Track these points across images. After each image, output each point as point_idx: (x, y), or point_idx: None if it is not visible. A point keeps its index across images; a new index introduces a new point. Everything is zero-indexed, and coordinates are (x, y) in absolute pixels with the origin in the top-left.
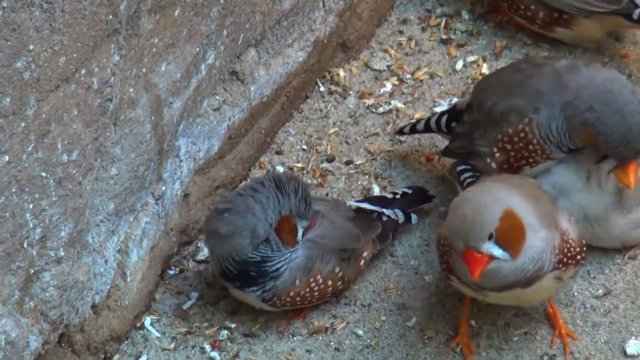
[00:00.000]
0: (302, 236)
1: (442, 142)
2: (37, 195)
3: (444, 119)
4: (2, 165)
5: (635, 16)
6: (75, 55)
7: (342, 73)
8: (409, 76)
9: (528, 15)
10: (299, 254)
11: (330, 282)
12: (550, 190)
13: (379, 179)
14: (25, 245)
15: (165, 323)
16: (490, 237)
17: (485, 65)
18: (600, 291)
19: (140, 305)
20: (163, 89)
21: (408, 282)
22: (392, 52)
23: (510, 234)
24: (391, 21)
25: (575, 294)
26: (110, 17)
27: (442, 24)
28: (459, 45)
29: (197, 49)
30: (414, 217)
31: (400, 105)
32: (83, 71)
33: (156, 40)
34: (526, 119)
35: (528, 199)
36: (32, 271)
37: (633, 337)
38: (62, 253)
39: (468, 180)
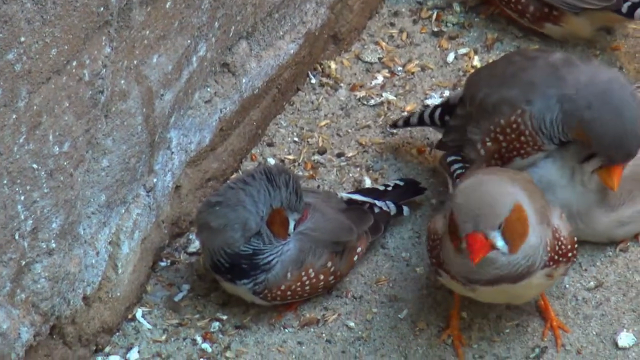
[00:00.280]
0: (294, 229)
1: (433, 134)
2: (28, 187)
3: (437, 112)
4: None
5: (624, 9)
6: (66, 47)
7: (333, 65)
8: (400, 68)
9: (518, 9)
10: (290, 247)
11: (322, 277)
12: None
13: (371, 171)
14: (16, 237)
15: (156, 315)
16: (499, 227)
17: (476, 58)
18: (592, 283)
19: (132, 297)
20: (154, 81)
21: (399, 274)
22: (384, 44)
23: (516, 228)
24: (382, 13)
25: (567, 286)
26: (102, 9)
27: (434, 17)
28: (450, 38)
29: (189, 41)
30: (405, 209)
31: (391, 97)
32: (74, 63)
33: (147, 32)
34: (519, 110)
35: (526, 194)
36: (24, 263)
37: (624, 330)
38: (54, 245)
39: (458, 172)
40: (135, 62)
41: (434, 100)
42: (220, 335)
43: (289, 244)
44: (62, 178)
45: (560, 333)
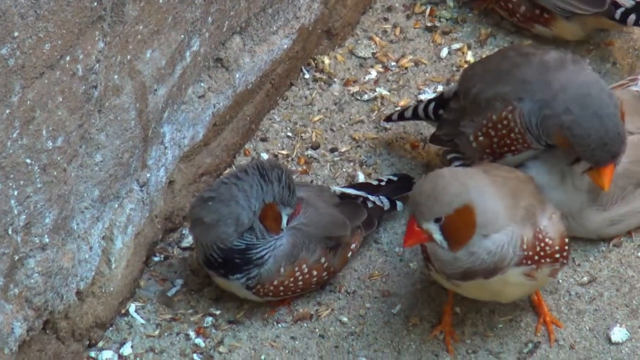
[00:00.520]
0: (287, 224)
1: (426, 129)
2: (21, 182)
3: (431, 106)
4: None
5: (617, 15)
6: (60, 42)
7: (327, 60)
8: (393, 63)
9: (509, 8)
10: (283, 242)
11: (315, 272)
12: None
13: (364, 166)
14: (9, 232)
15: (149, 310)
16: (438, 220)
17: (470, 53)
18: (585, 279)
19: (125, 292)
20: (148, 76)
21: (393, 269)
22: (377, 39)
23: (458, 228)
24: (376, 8)
25: (560, 281)
26: (95, 4)
27: (427, 12)
28: (443, 33)
29: (182, 36)
30: (399, 204)
31: (385, 92)
32: (68, 58)
33: (141, 27)
34: (510, 107)
35: (502, 194)
36: (17, 258)
37: (618, 325)
38: (47, 240)
39: (455, 163)
40: (128, 57)
41: (427, 95)
42: (214, 330)
43: (282, 238)
44: (55, 173)
45: (554, 328)
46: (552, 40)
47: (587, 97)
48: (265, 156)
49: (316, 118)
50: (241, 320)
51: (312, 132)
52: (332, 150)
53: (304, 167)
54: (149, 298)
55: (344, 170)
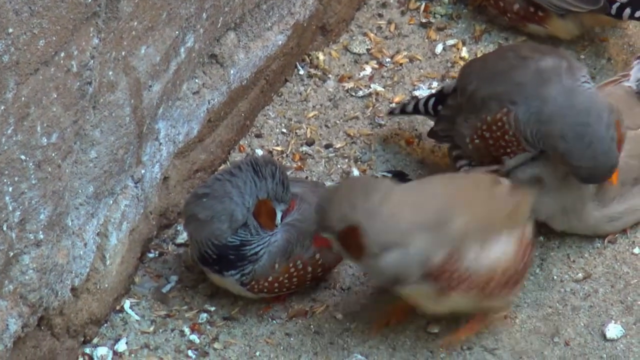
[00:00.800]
0: (281, 220)
1: (421, 126)
2: (16, 179)
3: (431, 101)
4: None
5: (613, 11)
6: (54, 39)
7: (321, 56)
8: (388, 60)
9: (500, 6)
10: (277, 238)
11: (310, 269)
12: (529, 183)
13: (359, 163)
14: (4, 228)
15: (144, 306)
16: (332, 233)
17: (464, 49)
18: (580, 275)
19: (120, 289)
20: (142, 72)
21: None
22: (372, 35)
23: (348, 245)
24: (371, 4)
25: (555, 277)
26: (90, 0)
27: (422, 8)
28: (438, 29)
29: (177, 32)
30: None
31: (379, 88)
32: (62, 54)
33: (135, 23)
34: (504, 109)
35: (427, 214)
36: (12, 254)
37: (612, 321)
38: (42, 236)
39: (464, 168)
40: (123, 53)
41: (422, 91)
42: (209, 327)
43: (277, 235)
44: (50, 169)
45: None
46: (547, 38)
47: (585, 127)
48: (259, 152)
49: (311, 114)
50: (236, 316)
51: (307, 128)
52: (327, 147)
53: (299, 164)
54: (144, 294)
55: (338, 166)
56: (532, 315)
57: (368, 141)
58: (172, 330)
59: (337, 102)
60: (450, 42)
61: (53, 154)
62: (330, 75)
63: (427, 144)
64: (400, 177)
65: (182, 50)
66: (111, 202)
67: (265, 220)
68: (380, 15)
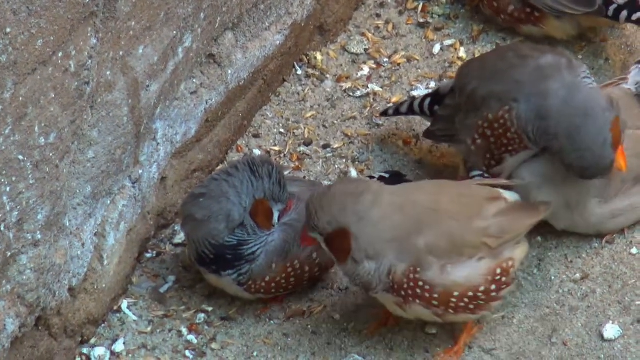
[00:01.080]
0: (278, 220)
1: (419, 126)
2: (14, 178)
3: (427, 101)
4: None
5: (610, 12)
6: (52, 39)
7: (319, 56)
8: (386, 60)
9: (494, 6)
10: (275, 238)
11: (307, 269)
12: (533, 178)
13: (356, 163)
14: (2, 228)
15: (142, 306)
16: (321, 233)
17: (462, 49)
18: (578, 275)
19: (117, 289)
20: (140, 72)
21: None
22: (370, 35)
23: (335, 246)
24: (368, 4)
25: (553, 277)
26: (88, 0)
27: (420, 8)
28: (436, 29)
29: (174, 32)
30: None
31: (377, 88)
32: (60, 54)
33: (133, 23)
34: (506, 107)
35: (394, 223)
36: (9, 254)
37: (610, 321)
38: (39, 236)
39: (476, 178)
40: (121, 53)
41: (420, 91)
42: (206, 327)
43: (274, 234)
44: (47, 169)
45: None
46: (543, 38)
47: (580, 128)
48: (257, 152)
49: (309, 114)
50: (234, 316)
51: (305, 128)
52: (325, 147)
53: (297, 164)
54: (142, 294)
55: (336, 166)
56: (530, 316)
57: (366, 141)
58: (170, 330)
59: (335, 102)
60: (448, 42)
61: (51, 154)
62: (328, 75)
63: (424, 145)
64: (398, 177)
65: (180, 50)
66: (109, 202)
67: (262, 220)
68: (378, 15)
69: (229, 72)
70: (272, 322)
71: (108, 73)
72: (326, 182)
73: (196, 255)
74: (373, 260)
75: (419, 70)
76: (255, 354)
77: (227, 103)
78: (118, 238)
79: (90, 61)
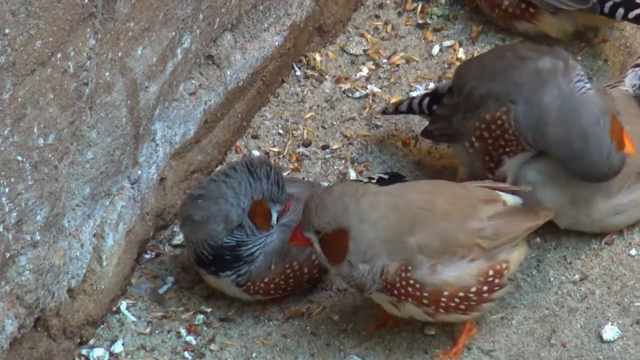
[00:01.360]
0: (277, 220)
1: (418, 127)
2: (12, 179)
3: (425, 101)
4: None
5: (606, 9)
6: (51, 39)
7: (318, 57)
8: (385, 61)
9: (490, 1)
10: (274, 239)
11: (306, 270)
12: (539, 177)
13: (356, 164)
14: (1, 229)
15: (141, 307)
16: (317, 233)
17: (461, 50)
18: (577, 276)
19: (116, 290)
20: (139, 73)
21: None
22: (369, 36)
23: (332, 247)
24: (367, 5)
25: (552, 279)
26: (86, 0)
27: (419, 9)
28: (435, 30)
29: (173, 33)
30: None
31: (376, 89)
32: (59, 55)
33: (132, 24)
34: (503, 107)
35: (389, 223)
36: (8, 255)
37: (609, 323)
38: (38, 237)
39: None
40: (119, 54)
41: (419, 92)
42: (205, 328)
43: (273, 235)
44: (46, 170)
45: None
46: (541, 38)
47: (582, 154)
48: (256, 153)
49: (307, 115)
50: (232, 317)
51: (304, 129)
52: (324, 148)
53: (296, 165)
54: (140, 295)
55: (335, 167)
56: (529, 317)
57: (365, 142)
58: (169, 331)
59: (334, 103)
60: (447, 43)
61: (50, 155)
62: (327, 76)
63: (423, 145)
64: (397, 178)
65: (179, 51)
66: (108, 203)
67: (260, 221)
68: (377, 17)
69: (228, 73)
70: (271, 323)
71: (107, 74)
72: (325, 183)
73: (195, 256)
74: (367, 263)
75: (418, 71)
76: (254, 355)
77: (226, 104)
78: (117, 239)
79: (89, 62)
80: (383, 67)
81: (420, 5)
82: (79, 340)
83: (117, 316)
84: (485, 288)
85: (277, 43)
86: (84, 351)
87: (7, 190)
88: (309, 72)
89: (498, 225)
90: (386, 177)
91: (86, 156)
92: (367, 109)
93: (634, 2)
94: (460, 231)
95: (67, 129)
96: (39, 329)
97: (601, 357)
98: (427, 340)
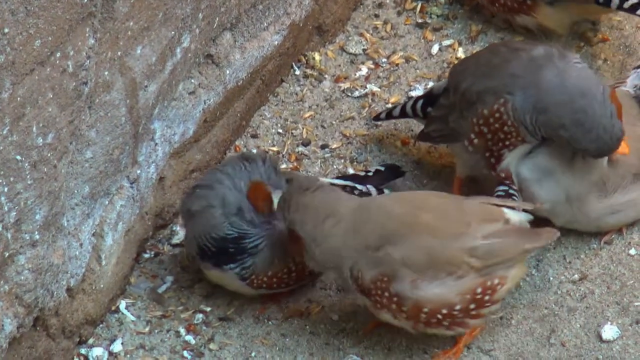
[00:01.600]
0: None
1: (417, 126)
2: (12, 179)
3: (419, 103)
4: None
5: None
6: (50, 39)
7: (317, 57)
8: (384, 60)
9: None
10: (277, 231)
11: None
12: (533, 173)
13: (355, 163)
14: (0, 229)
15: (140, 307)
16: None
17: (460, 50)
18: (576, 276)
19: (115, 289)
20: (138, 73)
21: None
22: (368, 35)
23: (292, 244)
24: (367, 5)
25: (551, 278)
26: (86, 0)
27: (418, 8)
28: (434, 29)
29: (173, 32)
30: (387, 192)
31: (375, 89)
32: (58, 54)
33: (131, 23)
34: (501, 100)
35: (370, 235)
36: (7, 254)
37: (609, 322)
38: (37, 236)
39: (499, 193)
40: (119, 53)
41: (418, 91)
42: (204, 327)
43: (276, 228)
44: (45, 169)
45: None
46: (543, 34)
47: (583, 113)
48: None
49: (307, 114)
50: (232, 317)
51: (303, 128)
52: (323, 147)
53: (295, 164)
54: (140, 295)
55: (334, 166)
56: (528, 317)
57: (364, 141)
58: (168, 330)
59: (333, 103)
60: (447, 42)
61: (49, 154)
62: (326, 76)
63: (423, 145)
64: (394, 170)
65: (178, 50)
66: (107, 202)
67: (261, 204)
68: (377, 16)
69: (227, 72)
70: (270, 322)
71: (106, 73)
72: (321, 178)
73: (198, 249)
74: (331, 270)
75: (418, 71)
76: (253, 354)
77: (225, 103)
78: (116, 238)
79: (88, 61)
80: (382, 67)
81: (420, 4)
82: (78, 340)
83: (116, 315)
84: (472, 305)
85: (276, 42)
86: (83, 350)
87: (6, 189)
88: (308, 71)
89: (493, 245)
90: (382, 169)
91: (85, 155)
92: (367, 109)
93: None
94: (449, 248)
95: (66, 128)
96: (38, 328)
97: (600, 356)
98: (427, 340)
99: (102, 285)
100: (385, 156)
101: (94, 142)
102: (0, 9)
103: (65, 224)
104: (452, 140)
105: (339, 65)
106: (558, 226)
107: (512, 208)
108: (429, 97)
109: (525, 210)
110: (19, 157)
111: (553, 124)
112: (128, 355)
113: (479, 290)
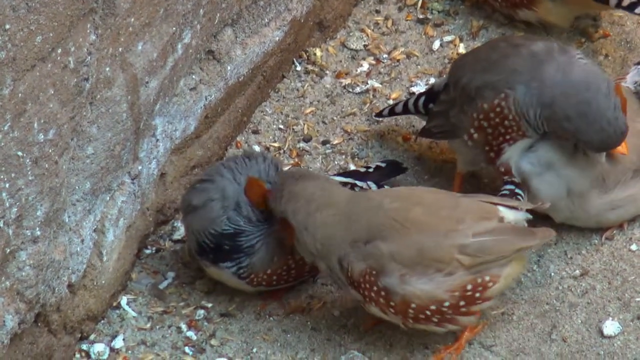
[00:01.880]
0: None
1: (419, 122)
2: (13, 175)
3: (421, 100)
4: None
5: None
6: (51, 35)
7: (318, 52)
8: (385, 56)
9: None
10: (274, 230)
11: None
12: (534, 167)
13: (356, 159)
14: (1, 225)
15: (141, 302)
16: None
17: (462, 45)
18: (578, 272)
19: (117, 285)
20: (139, 69)
21: None
22: (369, 31)
23: (283, 231)
24: (368, 0)
25: (552, 274)
26: None
27: (419, 4)
28: (435, 25)
29: (174, 28)
30: (387, 187)
31: (377, 84)
32: (59, 50)
33: (132, 19)
34: (502, 94)
35: (360, 228)
36: (8, 251)
37: (610, 318)
38: (39, 232)
39: (504, 192)
40: (120, 49)
41: (419, 87)
42: (206, 323)
43: (273, 226)
44: (47, 165)
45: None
46: (544, 29)
47: (586, 105)
48: (257, 148)
49: (308, 110)
50: (233, 313)
51: (304, 124)
52: (324, 143)
53: (296, 160)
54: (141, 291)
55: (336, 162)
56: (530, 312)
57: (365, 137)
58: (169, 326)
59: (335, 99)
60: (448, 38)
61: (50, 150)
62: (327, 72)
63: (424, 140)
64: (395, 165)
65: (179, 46)
66: (108, 198)
67: (257, 199)
68: (378, 12)
69: (228, 68)
70: (271, 318)
71: (107, 69)
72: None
73: (197, 246)
74: (321, 260)
75: (419, 67)
76: (254, 350)
77: (227, 99)
78: (117, 234)
79: (89, 57)
80: (383, 62)
81: (421, 0)
82: (79, 336)
83: (117, 311)
84: (462, 302)
85: (277, 38)
86: (84, 346)
87: (7, 185)
88: (310, 67)
89: (484, 243)
90: (383, 165)
91: (86, 151)
92: (368, 104)
93: None
94: (438, 245)
95: (67, 124)
96: (39, 324)
97: (602, 352)
98: (428, 336)
99: (103, 281)
100: (387, 152)
101: (95, 138)
102: (1, 5)
103: (67, 220)
104: (452, 136)
105: (340, 61)
106: (558, 222)
107: (513, 207)
108: (431, 94)
109: (527, 210)
110: (20, 153)
111: (557, 117)
112: (129, 351)
113: (469, 287)
